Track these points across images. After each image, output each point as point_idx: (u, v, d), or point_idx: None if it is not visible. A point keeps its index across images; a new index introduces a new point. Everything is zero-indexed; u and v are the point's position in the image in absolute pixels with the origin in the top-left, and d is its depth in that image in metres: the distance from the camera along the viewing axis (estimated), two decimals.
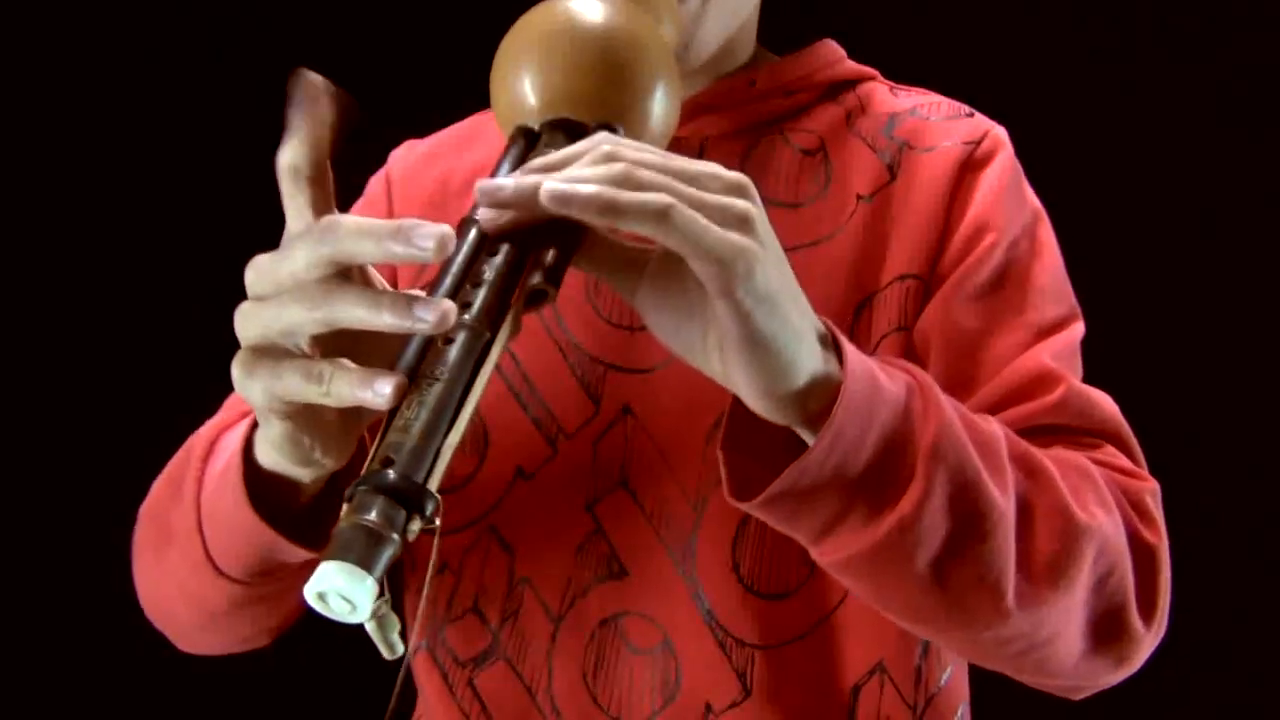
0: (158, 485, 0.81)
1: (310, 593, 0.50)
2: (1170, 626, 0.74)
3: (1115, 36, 1.89)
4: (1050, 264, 0.81)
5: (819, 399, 0.60)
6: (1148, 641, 0.72)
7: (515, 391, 0.82)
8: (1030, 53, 1.88)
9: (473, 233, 0.58)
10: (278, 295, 0.55)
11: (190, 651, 0.85)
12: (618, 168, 0.56)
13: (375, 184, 0.93)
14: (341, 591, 0.49)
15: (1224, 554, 1.78)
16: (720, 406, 0.65)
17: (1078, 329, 0.81)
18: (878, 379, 0.62)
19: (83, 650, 1.94)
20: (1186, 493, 1.09)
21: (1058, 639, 0.68)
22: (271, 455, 0.63)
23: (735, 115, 0.84)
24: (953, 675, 0.83)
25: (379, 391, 0.53)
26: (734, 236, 0.56)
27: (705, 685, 0.78)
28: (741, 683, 0.78)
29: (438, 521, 0.52)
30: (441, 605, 0.83)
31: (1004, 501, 0.64)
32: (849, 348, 0.61)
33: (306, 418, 0.59)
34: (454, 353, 0.54)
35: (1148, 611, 0.71)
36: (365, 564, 0.49)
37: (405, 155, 0.93)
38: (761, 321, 0.57)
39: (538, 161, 0.59)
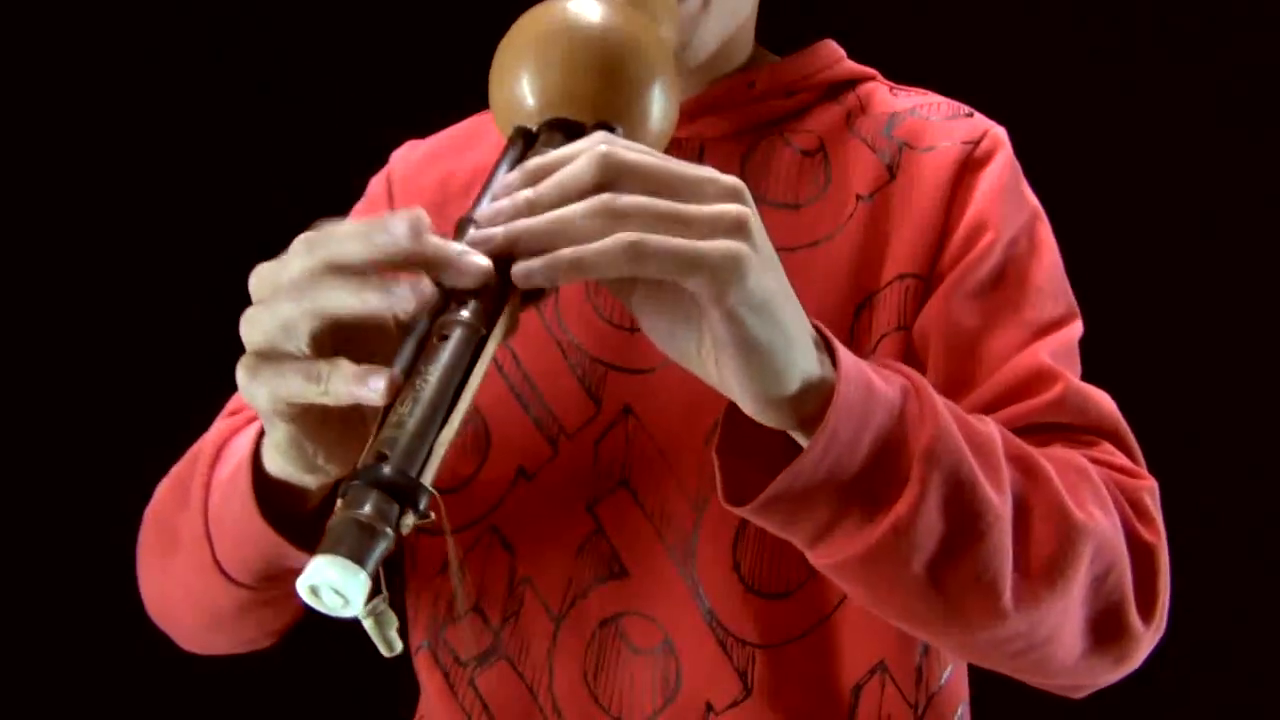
0: (163, 489, 0.81)
1: (303, 586, 0.50)
2: (1170, 626, 0.74)
3: (1115, 36, 1.89)
4: (1049, 263, 0.81)
5: (813, 402, 0.60)
6: (1147, 640, 0.72)
7: (516, 392, 0.82)
8: (1030, 53, 1.88)
9: (469, 234, 0.58)
10: (274, 297, 0.56)
11: (194, 652, 0.86)
12: (597, 204, 0.56)
13: (376, 184, 0.93)
14: (333, 585, 0.49)
15: (1224, 554, 1.78)
16: (721, 407, 0.65)
17: (1076, 328, 0.81)
18: (872, 382, 0.62)
19: (84, 649, 1.94)
20: (1186, 493, 1.09)
21: (1056, 639, 0.68)
22: (278, 462, 0.63)
23: (735, 116, 0.84)
24: (953, 674, 0.83)
25: (373, 387, 0.53)
26: (723, 244, 0.56)
27: (706, 685, 0.78)
28: (742, 682, 0.78)
29: (432, 516, 0.52)
30: (443, 605, 0.84)
31: (1000, 502, 0.64)
32: (842, 351, 0.61)
33: (310, 422, 0.59)
34: (449, 349, 0.54)
35: (1147, 610, 0.71)
36: (357, 557, 0.49)
37: (406, 155, 0.94)
38: (754, 327, 0.57)
39: (533, 162, 0.59)
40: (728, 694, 0.78)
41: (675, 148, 0.84)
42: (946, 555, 0.63)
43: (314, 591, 0.50)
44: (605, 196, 0.56)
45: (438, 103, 1.02)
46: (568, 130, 0.64)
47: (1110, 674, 0.73)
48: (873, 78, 0.89)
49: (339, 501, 0.51)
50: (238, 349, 0.58)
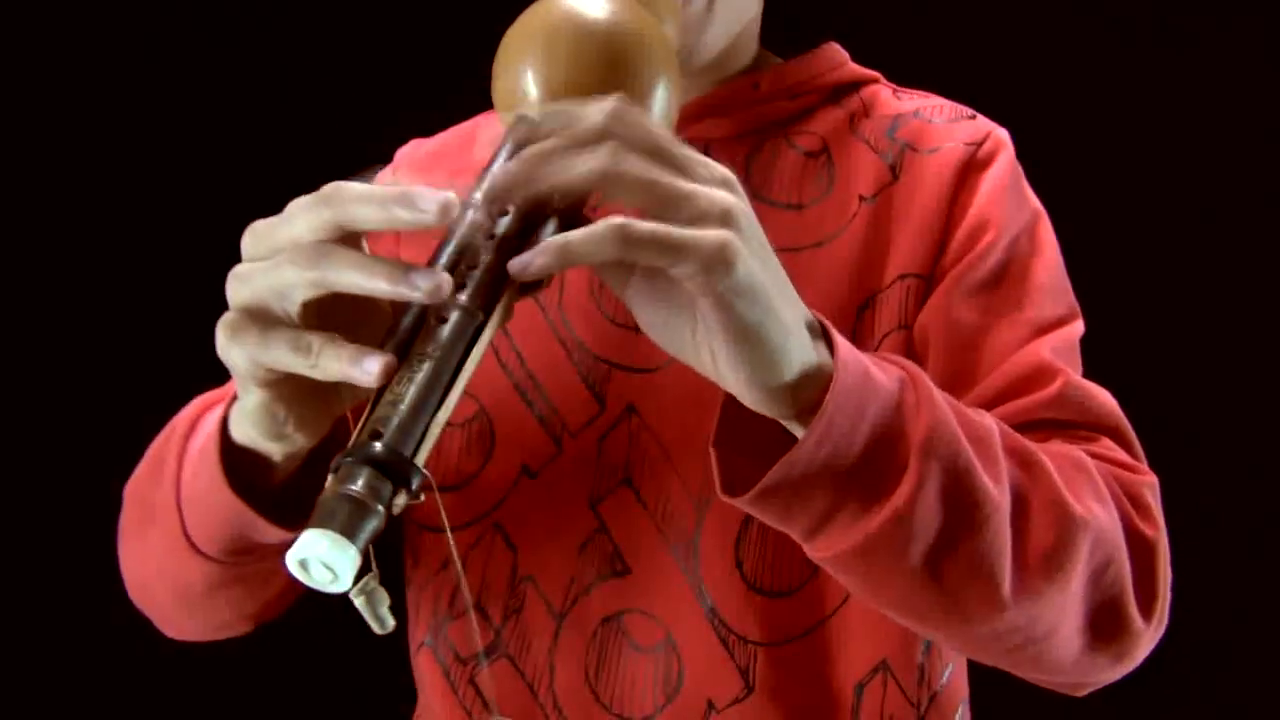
0: (141, 465, 0.81)
1: (292, 560, 0.50)
2: (1170, 625, 0.74)
3: (1116, 38, 1.89)
4: (1050, 263, 0.82)
5: (811, 390, 0.60)
6: (1148, 636, 0.72)
7: (521, 390, 0.82)
8: (1031, 55, 1.88)
9: (470, 214, 0.58)
10: (273, 257, 0.55)
11: (173, 636, 0.85)
12: (603, 157, 0.55)
13: (381, 181, 0.93)
14: (323, 559, 0.49)
15: (1224, 554, 1.78)
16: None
17: (1077, 327, 0.81)
18: (869, 371, 0.62)
19: (84, 647, 1.94)
20: (1187, 492, 1.09)
21: (1055, 633, 0.68)
22: (245, 429, 0.62)
23: (739, 118, 0.85)
24: (953, 673, 0.83)
25: (367, 369, 0.53)
26: (711, 232, 0.55)
27: (708, 682, 0.78)
28: (744, 680, 0.78)
29: (423, 497, 0.52)
30: (445, 602, 0.84)
31: (998, 493, 0.64)
32: (840, 340, 0.61)
33: (286, 389, 0.58)
34: (447, 332, 0.54)
35: (1146, 605, 0.70)
36: (348, 532, 0.49)
37: (411, 154, 0.94)
38: (745, 313, 0.56)
39: (533, 149, 0.58)
40: (729, 692, 0.78)
41: None
42: (944, 546, 0.63)
43: (303, 565, 0.50)
44: (613, 142, 0.55)
45: (442, 102, 1.02)
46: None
47: (1111, 671, 0.73)
48: (876, 80, 0.89)
49: (330, 477, 0.51)
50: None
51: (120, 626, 1.30)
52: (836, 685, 0.79)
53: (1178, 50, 1.88)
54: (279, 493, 0.69)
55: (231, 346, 0.56)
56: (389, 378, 0.53)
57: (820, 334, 0.62)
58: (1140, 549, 0.70)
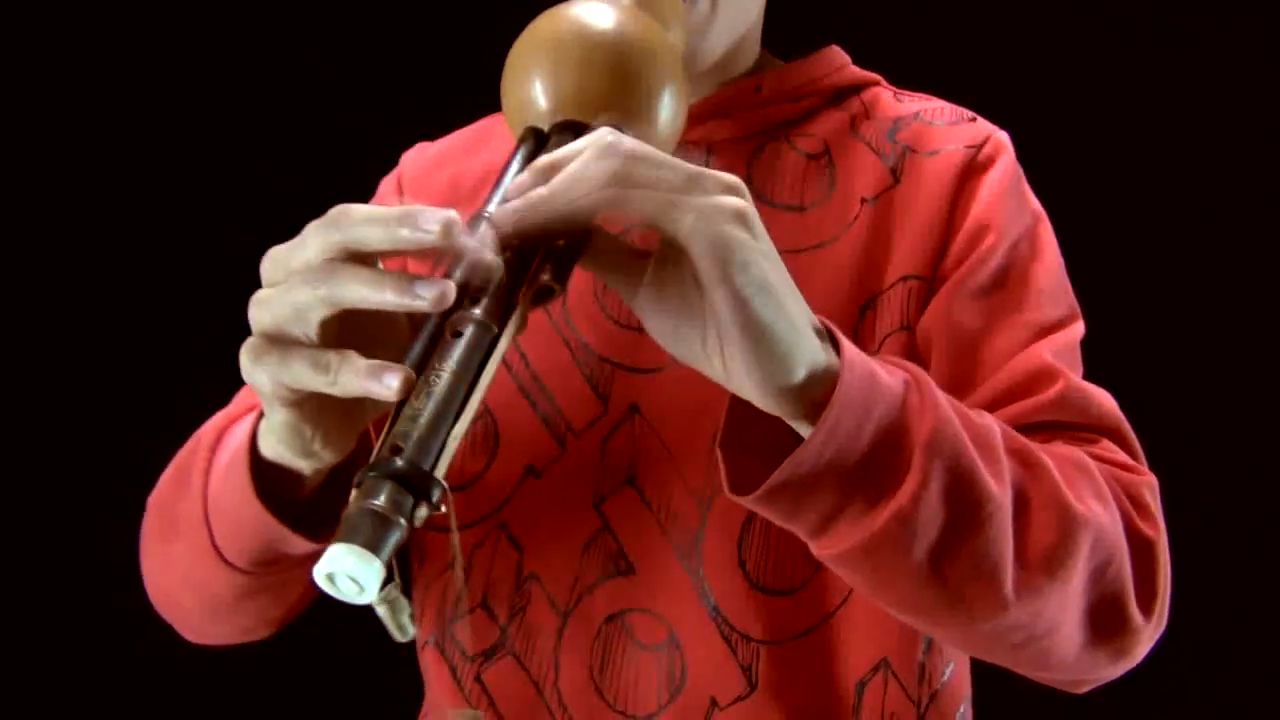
0: (166, 476, 0.82)
1: (319, 574, 0.51)
2: (1170, 625, 0.75)
3: (1116, 41, 1.90)
4: (1051, 265, 0.82)
5: (818, 390, 0.61)
6: (1148, 634, 0.72)
7: (525, 390, 0.83)
8: (1032, 57, 1.88)
9: (482, 228, 0.59)
10: (288, 280, 0.56)
11: (196, 641, 0.86)
12: (618, 162, 0.57)
13: (386, 185, 0.94)
14: (349, 573, 0.50)
15: (1224, 553, 1.78)
16: (727, 405, 0.66)
17: (1078, 329, 0.82)
18: (875, 372, 0.63)
19: (89, 645, 1.95)
20: (1187, 492, 1.10)
21: (1057, 631, 0.69)
22: (274, 445, 0.63)
23: (741, 120, 0.85)
24: (955, 672, 0.84)
25: (387, 384, 0.54)
26: (730, 228, 0.57)
27: (711, 680, 0.79)
28: (747, 678, 0.79)
29: (443, 508, 0.53)
30: (450, 601, 0.84)
31: (1000, 492, 0.65)
32: (846, 342, 0.62)
33: (310, 408, 0.60)
34: (461, 346, 0.56)
35: (1147, 604, 0.71)
36: (372, 546, 0.51)
37: (416, 157, 0.95)
38: (759, 308, 0.58)
39: (542, 160, 0.60)
40: (732, 690, 0.79)
41: (683, 150, 0.85)
42: (948, 544, 0.64)
43: (330, 579, 0.51)
44: (625, 162, 0.57)
45: (448, 105, 1.02)
46: (578, 132, 0.65)
47: (1111, 668, 0.73)
48: (877, 83, 0.90)
49: (354, 491, 0.53)
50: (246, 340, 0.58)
51: (125, 623, 1.30)
52: (838, 684, 0.79)
53: (1178, 50, 1.88)
54: (306, 504, 0.70)
55: (255, 369, 0.58)
56: (408, 392, 0.54)
57: (826, 336, 0.63)
58: (1140, 548, 0.71)
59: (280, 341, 0.57)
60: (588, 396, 0.82)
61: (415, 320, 0.59)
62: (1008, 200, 0.82)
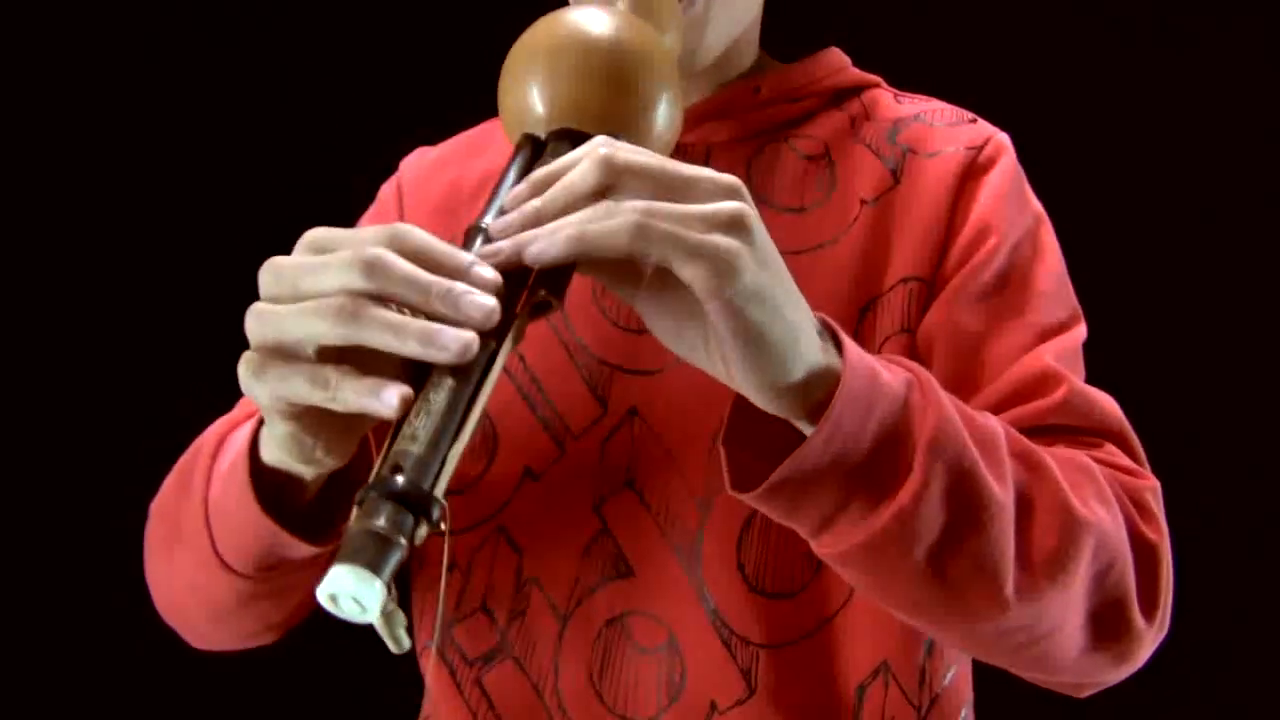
0: (168, 482, 0.82)
1: (322, 594, 0.52)
2: (1172, 625, 0.75)
3: (1116, 42, 1.90)
4: (1052, 267, 0.82)
5: (820, 390, 0.61)
6: (1150, 638, 0.72)
7: (524, 393, 0.83)
8: (1031, 57, 1.88)
9: (478, 242, 0.59)
10: (298, 304, 0.56)
11: (200, 647, 0.86)
12: (600, 207, 0.57)
13: (386, 190, 0.94)
14: (351, 593, 0.51)
15: (1224, 554, 1.78)
16: (725, 407, 0.66)
17: (1080, 331, 0.82)
18: (877, 371, 0.63)
19: (93, 648, 1.95)
20: (1187, 492, 1.10)
21: (1058, 633, 0.69)
22: (275, 453, 0.64)
23: (741, 122, 0.85)
24: (956, 675, 0.83)
25: (386, 401, 0.54)
26: (718, 238, 0.57)
27: (710, 684, 0.79)
28: (746, 681, 0.79)
29: (443, 526, 0.54)
30: (449, 604, 0.84)
31: (1002, 494, 0.65)
32: (848, 341, 0.62)
33: (311, 419, 0.60)
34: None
35: (1149, 608, 0.71)
36: (374, 567, 0.51)
37: (416, 162, 0.94)
38: (753, 317, 0.57)
39: (539, 172, 0.60)
40: (732, 693, 0.79)
41: (681, 152, 0.85)
42: (949, 544, 0.64)
43: (333, 599, 0.52)
44: (606, 203, 0.57)
45: (447, 110, 1.02)
46: (575, 140, 0.65)
47: (1113, 672, 0.73)
48: (877, 84, 0.89)
49: (355, 510, 0.53)
50: (247, 348, 0.58)
51: (128, 627, 1.31)
52: (838, 687, 0.79)
53: (1178, 50, 1.88)
54: (307, 508, 0.70)
55: (254, 384, 0.57)
56: (407, 409, 0.54)
57: (828, 336, 0.63)
58: (1143, 552, 0.71)
59: (279, 356, 0.57)
60: (586, 399, 0.82)
61: None
62: (1009, 202, 0.82)
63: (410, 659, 0.88)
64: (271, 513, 0.68)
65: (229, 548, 0.73)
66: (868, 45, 0.96)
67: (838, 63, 0.89)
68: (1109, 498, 0.70)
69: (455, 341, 0.54)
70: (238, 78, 2.01)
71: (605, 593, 0.80)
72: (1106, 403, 0.78)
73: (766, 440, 0.65)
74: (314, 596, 0.80)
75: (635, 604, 0.80)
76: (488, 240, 0.59)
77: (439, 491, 0.54)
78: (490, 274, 0.57)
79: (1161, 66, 1.88)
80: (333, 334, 0.55)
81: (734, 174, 0.83)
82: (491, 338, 0.56)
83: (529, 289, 0.59)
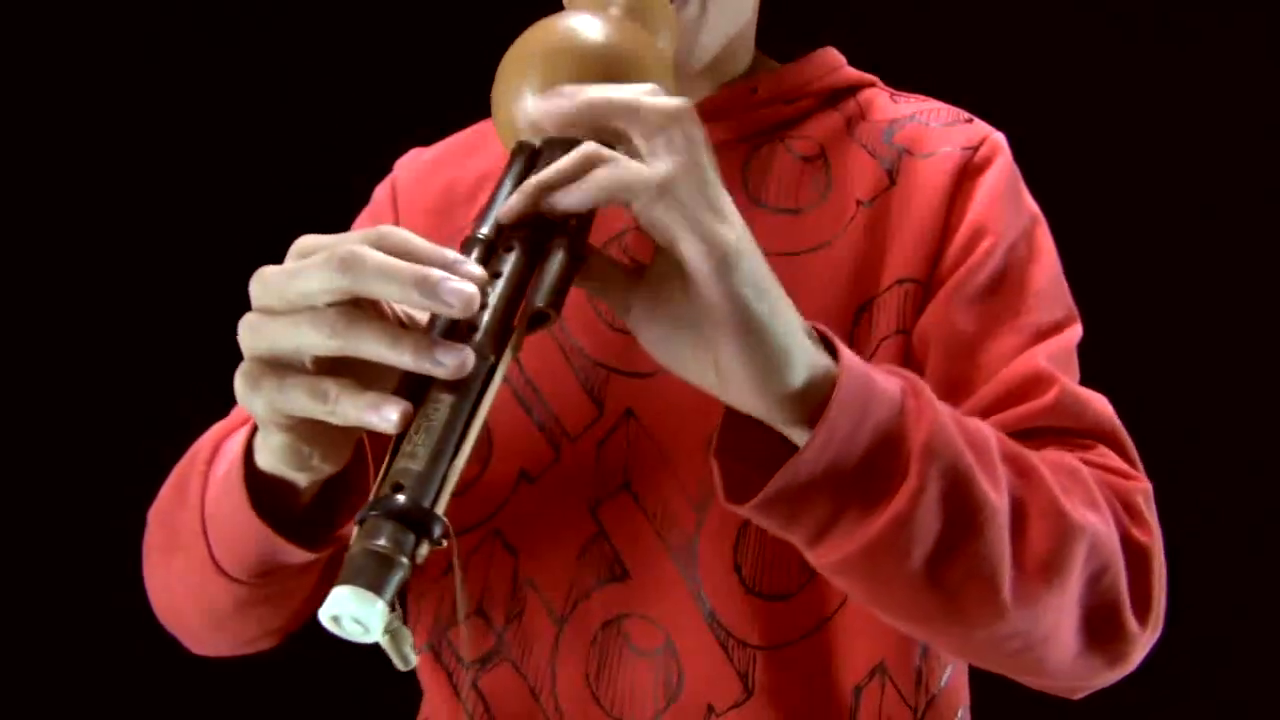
0: (165, 489, 0.82)
1: (325, 616, 0.51)
2: (1170, 625, 0.75)
3: (1114, 42, 1.89)
4: (1048, 267, 0.82)
5: (815, 395, 0.61)
6: (1143, 640, 0.72)
7: (519, 395, 0.83)
8: (1030, 58, 1.88)
9: (475, 254, 0.59)
10: (290, 313, 0.56)
11: (201, 653, 0.86)
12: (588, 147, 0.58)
13: (381, 191, 0.94)
14: (354, 615, 0.51)
15: (1223, 554, 1.78)
16: (722, 409, 0.66)
17: (1075, 332, 0.81)
18: (872, 377, 0.63)
19: (93, 649, 1.95)
20: (1185, 492, 1.10)
21: (1053, 637, 0.69)
22: (271, 460, 0.63)
23: (736, 123, 0.85)
24: (953, 676, 0.83)
25: (385, 417, 0.54)
26: (723, 229, 0.58)
27: (707, 686, 0.79)
28: (743, 683, 0.79)
29: (444, 543, 0.53)
30: (446, 607, 0.84)
31: (997, 498, 0.65)
32: (843, 347, 0.62)
33: (307, 429, 0.59)
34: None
35: (1142, 611, 0.71)
36: (376, 588, 0.51)
37: (411, 163, 0.94)
38: (755, 307, 0.58)
39: (532, 181, 0.60)
40: (729, 696, 0.79)
41: None
42: (945, 550, 0.64)
43: (336, 620, 0.52)
44: (589, 145, 0.58)
45: (441, 111, 1.02)
46: (569, 147, 0.65)
47: (1107, 674, 0.73)
48: (873, 84, 0.89)
49: (356, 530, 0.53)
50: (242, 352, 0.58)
51: (128, 628, 1.31)
52: (835, 689, 0.79)
53: (1178, 48, 1.88)
54: (302, 513, 0.70)
55: (251, 396, 0.57)
56: (407, 424, 0.54)
57: (820, 341, 0.63)
58: (1135, 555, 0.71)
59: (275, 367, 0.57)
60: (582, 401, 0.82)
61: None
62: (1004, 202, 0.82)
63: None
64: (267, 519, 0.68)
65: (226, 554, 0.73)
66: (863, 44, 0.96)
67: (833, 62, 0.89)
68: (1099, 502, 0.70)
69: (451, 356, 0.54)
70: (237, 78, 2.01)
71: (602, 595, 0.80)
72: (1099, 404, 0.78)
73: (759, 450, 0.65)
74: (312, 602, 0.80)
75: (632, 606, 0.80)
76: (483, 254, 0.59)
77: (440, 509, 0.53)
78: (476, 270, 0.56)
79: (1160, 65, 1.87)
80: (325, 345, 0.55)
81: (729, 177, 0.83)
82: (490, 352, 0.56)
83: (526, 301, 0.58)
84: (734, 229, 0.59)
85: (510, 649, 0.82)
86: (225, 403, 0.86)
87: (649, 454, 0.80)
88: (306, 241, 0.58)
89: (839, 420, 0.60)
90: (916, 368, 0.79)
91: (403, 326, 0.56)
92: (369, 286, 0.54)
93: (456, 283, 0.54)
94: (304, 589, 0.77)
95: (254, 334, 0.57)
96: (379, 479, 0.54)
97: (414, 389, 0.56)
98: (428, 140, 0.96)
